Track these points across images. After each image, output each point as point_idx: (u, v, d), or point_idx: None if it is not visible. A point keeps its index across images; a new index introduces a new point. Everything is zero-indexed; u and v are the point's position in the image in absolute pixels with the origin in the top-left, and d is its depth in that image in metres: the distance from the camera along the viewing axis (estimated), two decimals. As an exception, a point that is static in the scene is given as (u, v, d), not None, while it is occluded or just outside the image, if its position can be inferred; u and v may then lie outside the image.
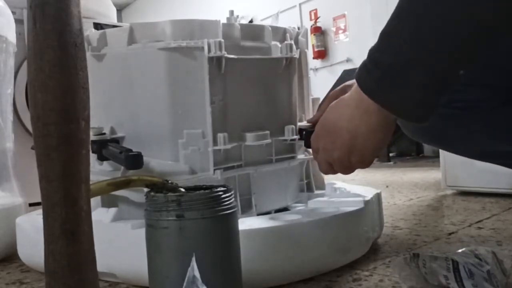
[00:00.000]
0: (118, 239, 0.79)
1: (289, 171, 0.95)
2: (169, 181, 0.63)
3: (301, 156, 0.97)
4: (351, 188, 1.00)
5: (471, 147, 0.80)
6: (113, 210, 0.83)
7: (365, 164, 0.68)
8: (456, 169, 1.54)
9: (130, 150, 0.79)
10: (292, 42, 0.94)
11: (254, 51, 0.89)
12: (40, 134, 0.50)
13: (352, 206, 0.86)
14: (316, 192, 1.00)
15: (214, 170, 0.83)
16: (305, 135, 0.96)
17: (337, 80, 3.37)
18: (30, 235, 0.90)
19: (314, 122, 0.78)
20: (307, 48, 1.05)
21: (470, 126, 0.75)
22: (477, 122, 0.74)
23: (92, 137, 0.83)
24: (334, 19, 4.37)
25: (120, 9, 7.06)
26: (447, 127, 0.76)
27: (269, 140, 0.89)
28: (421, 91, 0.55)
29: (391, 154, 3.26)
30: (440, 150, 1.57)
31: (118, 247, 0.78)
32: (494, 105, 0.72)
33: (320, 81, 4.01)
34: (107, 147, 0.83)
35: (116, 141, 0.86)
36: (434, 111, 0.57)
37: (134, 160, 0.77)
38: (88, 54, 0.86)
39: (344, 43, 4.30)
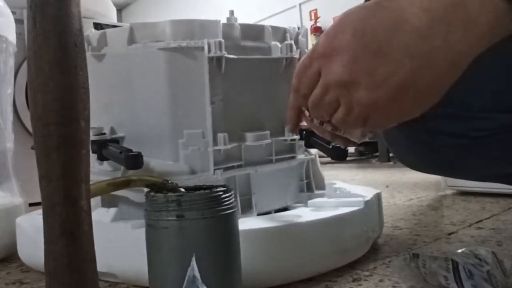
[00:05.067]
0: (118, 239, 0.79)
1: (289, 171, 0.95)
2: (169, 181, 0.63)
3: (301, 156, 0.97)
4: (351, 188, 1.00)
5: (482, 172, 0.70)
6: (113, 210, 0.83)
7: (391, 121, 0.45)
8: (456, 169, 1.53)
9: (130, 150, 0.79)
10: (292, 42, 0.94)
11: (254, 51, 0.89)
12: (40, 134, 0.50)
13: (352, 206, 0.86)
14: (316, 192, 1.00)
15: (214, 170, 0.83)
16: (305, 135, 0.96)
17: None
18: (30, 235, 0.90)
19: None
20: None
21: (486, 154, 0.63)
22: (496, 150, 0.62)
23: (92, 137, 0.83)
24: (334, 19, 4.36)
25: (120, 9, 7.06)
26: (459, 157, 0.64)
27: (269, 140, 0.89)
28: None
29: (391, 154, 3.26)
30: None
31: (118, 247, 0.78)
32: None
33: (320, 81, 3.99)
34: (107, 147, 0.83)
35: (116, 141, 0.86)
36: None
37: (134, 160, 0.77)
38: (88, 54, 0.86)
39: (344, 43, 4.28)
